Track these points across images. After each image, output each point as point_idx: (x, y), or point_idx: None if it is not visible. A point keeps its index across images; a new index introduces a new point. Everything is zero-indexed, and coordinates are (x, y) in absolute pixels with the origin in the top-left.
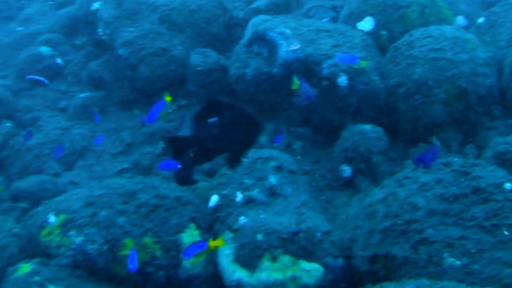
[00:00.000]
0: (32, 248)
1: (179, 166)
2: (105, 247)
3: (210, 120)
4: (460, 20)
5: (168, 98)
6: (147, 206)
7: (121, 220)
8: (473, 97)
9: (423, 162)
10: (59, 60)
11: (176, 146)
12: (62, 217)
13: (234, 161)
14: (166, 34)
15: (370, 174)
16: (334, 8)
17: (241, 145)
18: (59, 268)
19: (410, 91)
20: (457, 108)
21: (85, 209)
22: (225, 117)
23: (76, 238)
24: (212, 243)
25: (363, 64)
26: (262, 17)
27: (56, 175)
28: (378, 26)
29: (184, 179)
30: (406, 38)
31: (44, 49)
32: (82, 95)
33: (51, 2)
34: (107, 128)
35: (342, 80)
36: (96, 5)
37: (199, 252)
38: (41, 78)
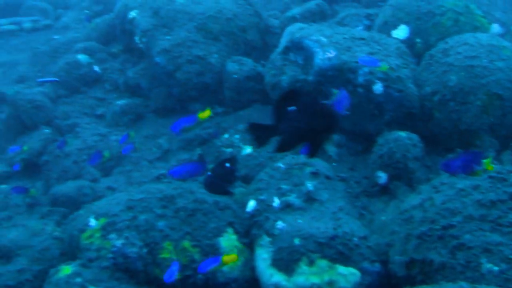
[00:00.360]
0: (73, 251)
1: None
2: (145, 250)
3: (290, 109)
4: (496, 28)
5: (204, 114)
6: (186, 210)
7: (160, 224)
8: (509, 104)
9: (449, 168)
10: (96, 68)
11: (258, 134)
12: (103, 220)
13: (313, 150)
14: (202, 42)
15: (406, 180)
16: (368, 16)
17: (321, 135)
18: (100, 270)
19: (446, 98)
20: (493, 115)
21: (125, 212)
22: (305, 107)
23: (117, 241)
24: (225, 258)
25: (384, 67)
26: (298, 25)
27: (94, 180)
28: (413, 34)
29: (213, 187)
30: (441, 45)
31: (82, 57)
32: (119, 102)
33: (87, 11)
34: (145, 134)
35: (378, 87)
36: (133, 14)
37: (213, 267)
38: (51, 78)
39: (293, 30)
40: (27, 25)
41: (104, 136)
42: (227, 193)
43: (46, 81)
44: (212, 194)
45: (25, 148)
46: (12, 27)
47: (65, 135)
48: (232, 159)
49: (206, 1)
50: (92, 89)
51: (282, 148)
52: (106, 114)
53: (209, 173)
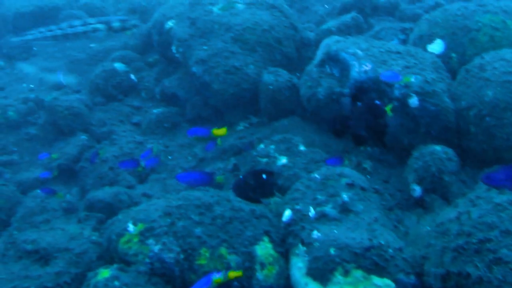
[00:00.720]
0: (111, 255)
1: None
2: (182, 256)
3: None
4: None
5: (219, 132)
6: (223, 218)
7: (197, 230)
8: None
9: (491, 181)
10: (132, 76)
11: (336, 127)
12: (141, 225)
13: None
14: (239, 53)
15: (441, 194)
16: (403, 30)
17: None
18: (137, 275)
19: (482, 113)
20: None
21: (163, 218)
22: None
23: (154, 247)
24: (231, 274)
25: (406, 79)
26: (335, 37)
27: (130, 187)
28: (448, 48)
29: (241, 191)
30: (477, 60)
31: (119, 65)
32: (155, 110)
33: None
34: (180, 143)
35: (413, 101)
36: (170, 24)
37: (217, 279)
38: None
39: (330, 43)
40: (116, 24)
41: (140, 143)
42: (254, 200)
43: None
44: (248, 202)
45: (53, 155)
46: (101, 26)
47: (97, 147)
48: (270, 172)
49: (243, 12)
50: (128, 97)
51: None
52: (142, 122)
53: (240, 176)
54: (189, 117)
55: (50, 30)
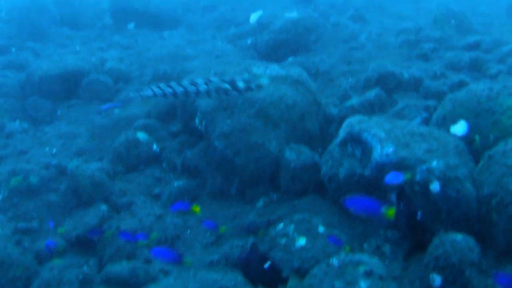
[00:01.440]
0: None
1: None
2: None
3: None
4: None
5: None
6: None
7: None
8: None
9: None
10: (155, 147)
11: None
12: None
13: None
14: (261, 129)
15: (461, 286)
16: (427, 108)
17: None
18: None
19: (505, 202)
20: None
21: None
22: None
23: None
24: None
25: (407, 176)
26: (357, 117)
27: (147, 261)
28: (472, 130)
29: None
30: (501, 146)
31: (141, 135)
32: (176, 183)
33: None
34: (199, 217)
35: (435, 186)
36: None
37: None
38: (115, 103)
39: (353, 122)
40: (241, 84)
41: (159, 217)
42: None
43: (111, 107)
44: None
45: (59, 230)
46: (226, 85)
47: (105, 227)
48: (272, 263)
49: (267, 87)
50: (149, 167)
51: None
52: (162, 194)
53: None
54: (210, 191)
55: (170, 87)
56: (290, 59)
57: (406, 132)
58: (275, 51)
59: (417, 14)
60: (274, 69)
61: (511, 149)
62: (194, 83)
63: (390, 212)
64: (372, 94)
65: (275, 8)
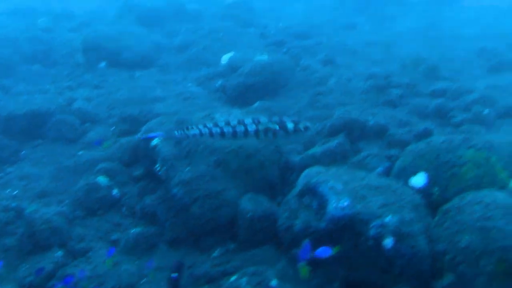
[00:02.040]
0: None
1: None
2: None
3: None
4: None
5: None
6: None
7: None
8: None
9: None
10: (115, 191)
11: None
12: None
13: None
14: (220, 177)
15: None
16: (389, 157)
17: None
18: None
19: (456, 259)
20: (504, 284)
21: None
22: None
23: None
24: None
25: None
26: (315, 168)
27: None
28: (431, 182)
29: None
30: (456, 201)
31: (102, 179)
32: (133, 230)
33: (113, 128)
34: (156, 266)
35: (388, 242)
36: (155, 141)
37: None
38: (156, 134)
39: (310, 174)
40: (290, 125)
41: (115, 264)
42: None
43: (151, 137)
44: None
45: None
46: (275, 126)
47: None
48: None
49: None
50: (109, 212)
51: None
52: (120, 240)
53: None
54: (167, 239)
55: (217, 126)
56: (257, 103)
57: (364, 185)
58: (243, 94)
59: (388, 58)
60: (237, 115)
61: (466, 204)
62: (242, 123)
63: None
64: (334, 143)
65: (247, 50)
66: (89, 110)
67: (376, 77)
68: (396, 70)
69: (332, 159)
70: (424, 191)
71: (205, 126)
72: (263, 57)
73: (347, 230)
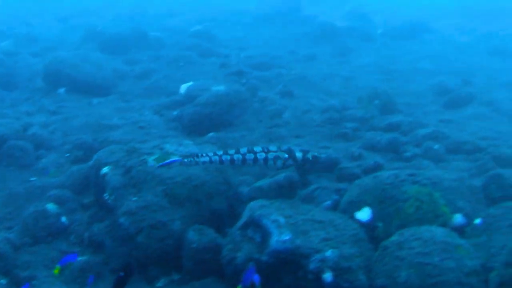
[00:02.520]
0: None
1: None
2: None
3: None
4: (458, 218)
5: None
6: None
7: None
8: None
9: None
10: (63, 219)
11: None
12: None
13: None
14: (167, 208)
15: None
16: (338, 191)
17: None
18: None
19: None
20: None
21: None
22: None
23: None
24: None
25: None
26: (260, 202)
27: None
28: (375, 217)
29: None
30: (396, 237)
31: (51, 207)
32: (79, 258)
33: (68, 155)
34: None
35: (327, 276)
36: (105, 170)
37: None
38: (172, 160)
39: (254, 207)
40: (299, 154)
41: None
42: None
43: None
44: None
45: None
46: (284, 155)
47: None
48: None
49: (177, 165)
50: (57, 240)
51: None
52: (65, 269)
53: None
54: (113, 268)
55: (227, 154)
56: (211, 134)
57: (307, 219)
58: (198, 124)
59: (346, 91)
60: (187, 146)
61: (406, 241)
62: (252, 151)
63: None
64: (281, 176)
65: (207, 79)
66: (45, 136)
67: (332, 110)
68: (352, 103)
69: (279, 192)
70: (368, 226)
71: (215, 153)
72: (219, 88)
73: (288, 264)
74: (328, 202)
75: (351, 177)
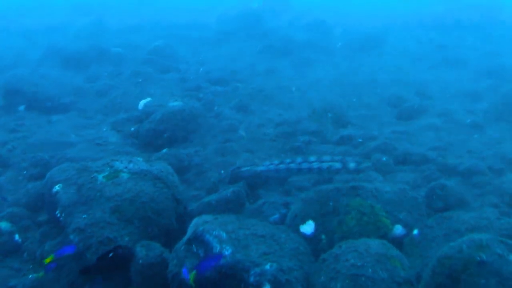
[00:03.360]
0: None
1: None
2: None
3: None
4: (398, 229)
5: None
6: None
7: None
8: None
9: None
10: (17, 237)
11: None
12: None
13: None
14: (115, 224)
15: None
16: (286, 204)
17: None
18: None
19: None
20: None
21: None
22: None
23: None
24: None
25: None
26: (204, 217)
27: None
28: (319, 230)
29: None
30: (335, 250)
31: (4, 225)
32: (30, 276)
33: (25, 172)
34: None
35: None
36: (57, 187)
37: None
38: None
39: (198, 223)
40: (352, 165)
41: None
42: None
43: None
44: None
45: None
46: (338, 164)
47: None
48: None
49: (126, 182)
50: (9, 257)
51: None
52: (17, 286)
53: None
54: (64, 285)
55: (283, 163)
56: (164, 150)
57: (249, 234)
58: (154, 140)
59: (302, 104)
60: (137, 163)
61: (343, 253)
62: (307, 161)
63: None
64: (229, 191)
65: (165, 95)
66: (2, 154)
67: (285, 124)
68: (306, 117)
69: (227, 207)
70: (312, 239)
71: (271, 163)
72: (175, 104)
73: (230, 278)
74: (276, 216)
75: (301, 189)
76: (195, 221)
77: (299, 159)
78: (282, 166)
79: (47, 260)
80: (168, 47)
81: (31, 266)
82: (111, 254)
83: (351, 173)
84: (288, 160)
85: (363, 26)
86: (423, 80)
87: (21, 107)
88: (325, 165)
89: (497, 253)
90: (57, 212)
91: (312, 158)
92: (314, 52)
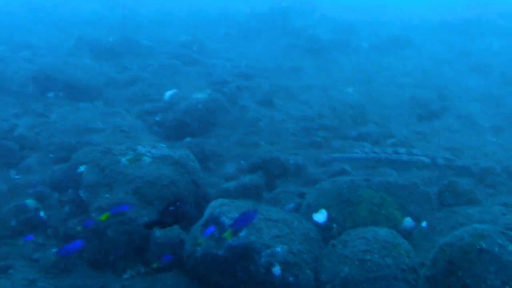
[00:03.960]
0: None
1: None
2: None
3: None
4: (408, 221)
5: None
6: None
7: None
8: None
9: None
10: (42, 214)
11: None
12: None
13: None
14: (136, 205)
15: None
16: (301, 195)
17: None
18: None
19: None
20: None
21: None
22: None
23: None
24: None
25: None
26: (220, 200)
27: None
28: (331, 219)
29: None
30: (344, 236)
31: (30, 202)
32: (53, 250)
33: (52, 155)
34: (72, 284)
35: (276, 269)
36: (82, 168)
37: None
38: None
39: (215, 205)
40: (440, 161)
41: (32, 281)
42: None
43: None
44: None
45: None
46: (426, 159)
47: None
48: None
49: (148, 166)
50: (35, 233)
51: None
52: (40, 259)
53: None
54: (86, 260)
55: (375, 152)
56: (188, 139)
57: (263, 218)
58: (178, 129)
59: (323, 102)
60: (160, 149)
61: (351, 239)
62: (397, 152)
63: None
64: (247, 179)
65: (191, 87)
66: (30, 137)
67: (307, 119)
68: (327, 114)
69: (245, 194)
70: (324, 227)
71: (364, 152)
72: (200, 95)
73: (242, 258)
74: (291, 205)
75: (316, 182)
76: (212, 203)
77: (389, 149)
78: (372, 155)
79: (103, 218)
80: (196, 42)
81: (55, 242)
82: (171, 208)
83: (439, 167)
84: (378, 149)
85: (389, 27)
86: (446, 84)
87: (51, 94)
88: (415, 158)
89: (497, 242)
90: (80, 191)
91: (402, 150)
92: (340, 52)
